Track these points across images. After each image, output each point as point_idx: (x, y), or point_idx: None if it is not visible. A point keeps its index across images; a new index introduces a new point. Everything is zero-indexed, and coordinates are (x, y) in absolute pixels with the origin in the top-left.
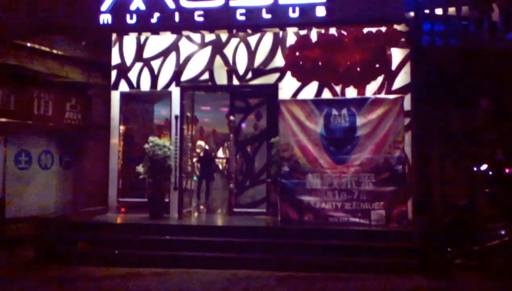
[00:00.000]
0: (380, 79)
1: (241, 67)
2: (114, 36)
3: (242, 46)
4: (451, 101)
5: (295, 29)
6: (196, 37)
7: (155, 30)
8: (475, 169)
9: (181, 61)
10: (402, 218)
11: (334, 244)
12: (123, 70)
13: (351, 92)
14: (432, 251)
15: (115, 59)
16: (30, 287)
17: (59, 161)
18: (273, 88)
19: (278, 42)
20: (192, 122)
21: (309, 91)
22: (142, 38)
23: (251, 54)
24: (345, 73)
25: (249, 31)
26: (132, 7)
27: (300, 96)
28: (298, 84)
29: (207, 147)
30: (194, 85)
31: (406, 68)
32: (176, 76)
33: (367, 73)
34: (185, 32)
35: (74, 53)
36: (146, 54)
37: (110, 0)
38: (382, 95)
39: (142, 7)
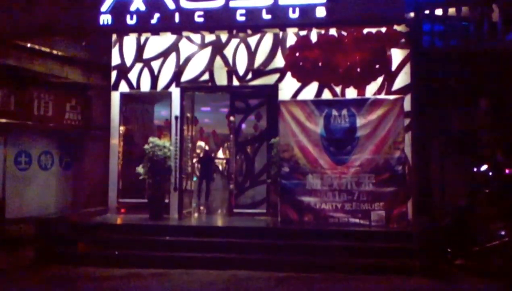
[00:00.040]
0: (380, 79)
1: (241, 68)
2: (114, 36)
3: (242, 47)
4: (451, 102)
5: (295, 29)
6: (196, 37)
7: (155, 30)
8: (475, 169)
9: (181, 61)
10: (402, 219)
11: (334, 244)
12: (123, 70)
13: (351, 93)
14: (432, 252)
15: (115, 60)
16: (30, 287)
17: (59, 162)
18: (273, 88)
19: (278, 42)
20: (192, 123)
21: (309, 92)
22: (142, 38)
23: (251, 54)
24: (345, 73)
25: (249, 31)
26: (132, 7)
27: (300, 96)
28: (298, 84)
29: (207, 148)
30: (194, 86)
31: (406, 69)
32: (176, 77)
33: (367, 74)
34: (185, 33)
35: (74, 54)
36: (146, 54)
37: (110, 0)
38: (382, 96)
39: (142, 7)
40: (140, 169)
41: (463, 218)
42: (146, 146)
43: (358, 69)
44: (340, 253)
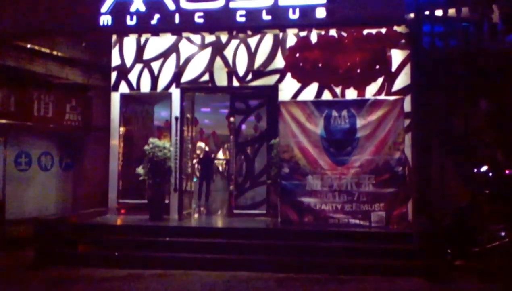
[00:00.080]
0: (380, 80)
1: (241, 69)
2: (114, 37)
3: (242, 48)
4: (451, 103)
5: (295, 30)
6: (196, 38)
7: (155, 31)
8: (475, 170)
9: (181, 62)
10: (402, 220)
11: (334, 245)
12: (123, 71)
13: (351, 94)
14: (432, 253)
15: (115, 61)
16: (30, 288)
17: (59, 162)
18: (273, 89)
19: (278, 43)
20: (192, 124)
21: (309, 93)
22: (142, 39)
23: (251, 55)
24: (345, 74)
25: (249, 32)
26: (132, 8)
27: (300, 97)
28: (298, 85)
29: (207, 148)
30: (194, 86)
31: (406, 70)
32: (176, 78)
33: (367, 75)
34: (185, 34)
35: (74, 55)
36: (146, 55)
37: (110, 1)
38: (382, 97)
39: (142, 8)
40: (140, 170)
41: (463, 218)
42: (146, 147)
43: (358, 70)
44: (340, 254)
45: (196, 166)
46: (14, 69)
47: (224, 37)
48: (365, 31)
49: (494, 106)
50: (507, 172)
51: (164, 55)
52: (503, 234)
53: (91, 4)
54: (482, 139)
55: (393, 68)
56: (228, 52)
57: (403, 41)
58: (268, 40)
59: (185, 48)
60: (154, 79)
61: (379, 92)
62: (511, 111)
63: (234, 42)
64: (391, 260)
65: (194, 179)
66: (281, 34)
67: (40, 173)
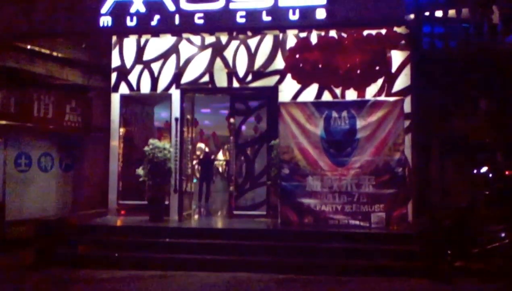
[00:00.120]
0: (380, 81)
1: (241, 70)
2: (114, 38)
3: (242, 49)
4: (451, 104)
5: (295, 31)
6: (196, 39)
7: (155, 32)
8: (475, 171)
9: (181, 63)
10: (402, 221)
11: (334, 246)
12: (123, 72)
13: (351, 95)
14: (432, 254)
15: (115, 62)
16: (30, 289)
17: (59, 163)
18: (273, 90)
19: (278, 44)
20: (192, 125)
21: (309, 94)
22: (142, 40)
23: (251, 56)
24: (345, 75)
25: (249, 33)
26: (132, 9)
27: (300, 98)
28: (298, 86)
29: (207, 149)
30: (194, 87)
31: (406, 71)
32: (176, 79)
33: (367, 76)
34: (185, 35)
35: (74, 56)
36: (146, 56)
37: (110, 2)
38: (382, 98)
39: (142, 9)
40: (140, 171)
41: (463, 219)
42: (146, 148)
43: (358, 71)
44: (340, 255)
45: (196, 167)
46: (14, 70)
47: (224, 38)
48: (365, 32)
49: (494, 107)
50: (507, 172)
51: (164, 56)
52: (503, 235)
53: (91, 5)
54: (482, 140)
55: (393, 69)
56: (228, 53)
57: (403, 42)
58: (268, 41)
59: (185, 49)
60: (154, 80)
61: (379, 93)
62: (511, 112)
63: (234, 43)
64: (391, 261)
65: (194, 180)
66: (281, 35)
67: (40, 174)
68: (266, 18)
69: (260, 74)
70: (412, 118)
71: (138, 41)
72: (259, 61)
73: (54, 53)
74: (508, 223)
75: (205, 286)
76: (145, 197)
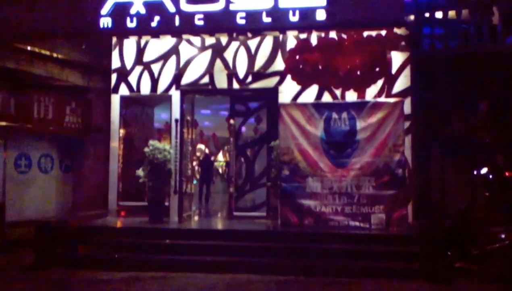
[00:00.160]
0: (380, 82)
1: (241, 71)
2: (114, 39)
3: (242, 50)
4: (451, 105)
5: (295, 32)
6: (196, 40)
7: (156, 33)
8: (475, 172)
9: (181, 64)
10: (402, 222)
11: (334, 248)
12: (123, 73)
13: (351, 96)
14: (433, 255)
15: (115, 63)
16: (30, 290)
17: (59, 165)
18: (273, 91)
19: (278, 45)
20: (192, 126)
21: (309, 95)
22: (142, 41)
23: (251, 57)
24: (345, 76)
25: (249, 34)
26: (133, 10)
27: (300, 99)
28: (298, 87)
29: (207, 151)
30: (194, 89)
31: (406, 72)
32: (176, 80)
33: (367, 77)
34: (185, 36)
35: (74, 57)
36: (146, 57)
37: (110, 3)
38: (382, 99)
39: (143, 10)
40: (140, 172)
41: (463, 221)
42: (146, 149)
43: (358, 72)
44: (340, 256)
45: (196, 168)
46: (14, 71)
47: (224, 39)
48: (365, 33)
49: (494, 108)
50: (507, 174)
51: (164, 57)
52: (503, 236)
53: (91, 6)
54: (482, 141)
55: (393, 70)
56: (228, 54)
57: (403, 43)
58: (268, 42)
59: (185, 50)
60: (154, 82)
61: (379, 94)
62: (511, 113)
63: (234, 44)
64: (391, 262)
65: (194, 181)
66: (281, 36)
67: (40, 175)
68: (266, 19)
69: (260, 75)
70: (412, 120)
71: (138, 43)
72: (259, 63)
73: (54, 55)
74: (508, 224)
75: (205, 287)
76: (145, 198)
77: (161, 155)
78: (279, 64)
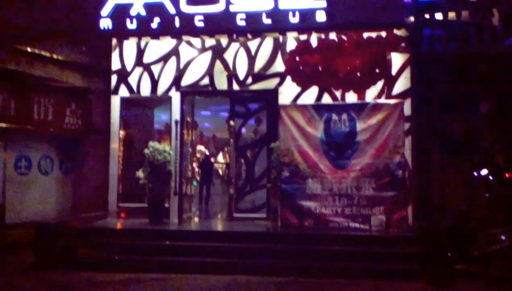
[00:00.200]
0: (380, 84)
1: (241, 72)
2: (114, 41)
3: (242, 51)
4: (451, 106)
5: (295, 34)
6: (196, 42)
7: (156, 35)
8: (475, 173)
9: (181, 66)
10: (402, 223)
11: (334, 249)
12: (123, 75)
13: (351, 97)
14: (433, 256)
15: (115, 64)
16: None
17: (59, 166)
18: (273, 93)
19: (278, 47)
20: (192, 127)
21: (309, 96)
22: (142, 43)
23: (251, 59)
24: (345, 78)
25: (249, 36)
26: (133, 12)
27: (300, 101)
28: (298, 89)
29: (207, 152)
30: (194, 90)
31: (406, 73)
32: (176, 81)
33: (367, 78)
34: (185, 37)
35: (74, 58)
36: (146, 59)
37: (110, 5)
38: (382, 100)
39: (143, 12)
40: (140, 173)
41: (463, 222)
42: (146, 150)
43: (358, 74)
44: (340, 258)
45: (196, 169)
46: (14, 73)
47: (224, 40)
48: (365, 35)
49: (494, 110)
50: (507, 175)
51: (164, 58)
52: (503, 237)
53: (91, 8)
54: (483, 143)
55: (393, 72)
56: (228, 56)
57: (403, 44)
58: (268, 43)
59: (185, 52)
60: (154, 83)
61: (379, 95)
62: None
63: (234, 46)
64: (391, 263)
65: (194, 183)
66: (281, 38)
67: (40, 177)
68: (266, 20)
69: (260, 76)
70: (412, 121)
71: (138, 44)
72: (259, 64)
73: (54, 56)
74: (508, 226)
75: (205, 289)
76: (145, 200)
77: (161, 156)
78: (279, 65)
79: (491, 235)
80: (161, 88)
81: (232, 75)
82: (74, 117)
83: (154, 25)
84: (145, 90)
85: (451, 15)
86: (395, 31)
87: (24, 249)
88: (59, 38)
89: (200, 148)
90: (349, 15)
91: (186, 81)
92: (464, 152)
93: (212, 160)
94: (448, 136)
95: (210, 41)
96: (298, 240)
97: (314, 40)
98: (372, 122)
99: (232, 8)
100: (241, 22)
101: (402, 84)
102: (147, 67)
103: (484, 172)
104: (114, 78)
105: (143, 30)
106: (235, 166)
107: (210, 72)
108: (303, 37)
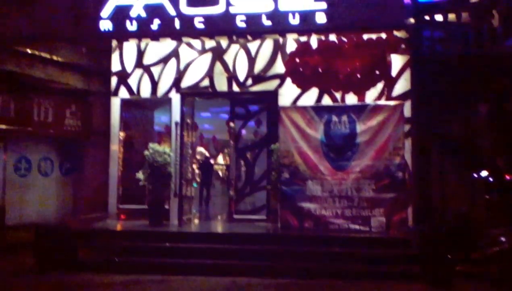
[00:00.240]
0: (380, 85)
1: (241, 74)
2: (114, 42)
3: (242, 53)
4: (451, 108)
5: (295, 35)
6: (197, 43)
7: (156, 36)
8: (475, 175)
9: (181, 67)
10: (402, 225)
11: (334, 251)
12: (123, 76)
13: (351, 99)
14: (432, 258)
15: (115, 66)
16: None
17: (59, 168)
18: (273, 94)
19: (278, 48)
20: (192, 129)
21: (309, 98)
22: (142, 44)
23: (251, 60)
24: (345, 79)
25: (249, 37)
26: (133, 13)
27: (300, 102)
28: (298, 90)
29: (207, 154)
30: (194, 91)
31: (406, 75)
32: (176, 83)
33: (367, 80)
34: (185, 39)
35: (74, 60)
36: (146, 60)
37: (110, 6)
38: (382, 102)
39: (143, 13)
40: (140, 175)
41: (463, 224)
42: (146, 152)
43: (358, 75)
44: (340, 259)
45: (196, 171)
46: (14, 74)
47: (224, 42)
48: (365, 36)
49: (494, 111)
50: (507, 177)
51: (164, 60)
52: (503, 239)
53: (91, 9)
54: (482, 145)
55: (393, 73)
56: (228, 57)
57: (403, 46)
58: (268, 45)
59: (185, 53)
60: (154, 84)
61: (379, 97)
62: (511, 116)
63: (234, 47)
64: (391, 265)
65: (194, 184)
66: (281, 39)
67: (40, 178)
68: (266, 22)
69: (260, 78)
70: (412, 123)
71: (138, 45)
72: (259, 65)
73: (54, 57)
74: (508, 227)
75: (205, 290)
76: (145, 201)
77: (161, 158)
78: (279, 67)
79: (491, 237)
80: (161, 90)
81: (232, 76)
82: (74, 118)
83: (154, 26)
84: (145, 91)
85: (451, 16)
86: (395, 33)
87: (24, 250)
88: (60, 39)
89: (200, 149)
90: (349, 17)
91: (186, 82)
92: (464, 153)
93: (212, 161)
94: (448, 137)
95: (210, 43)
96: (298, 242)
97: (314, 42)
98: (372, 124)
99: (232, 10)
100: (241, 24)
101: (402, 85)
102: (147, 69)
103: (484, 173)
104: (114, 80)
105: (143, 31)
106: (235, 168)
107: (210, 73)
108: (303, 38)
